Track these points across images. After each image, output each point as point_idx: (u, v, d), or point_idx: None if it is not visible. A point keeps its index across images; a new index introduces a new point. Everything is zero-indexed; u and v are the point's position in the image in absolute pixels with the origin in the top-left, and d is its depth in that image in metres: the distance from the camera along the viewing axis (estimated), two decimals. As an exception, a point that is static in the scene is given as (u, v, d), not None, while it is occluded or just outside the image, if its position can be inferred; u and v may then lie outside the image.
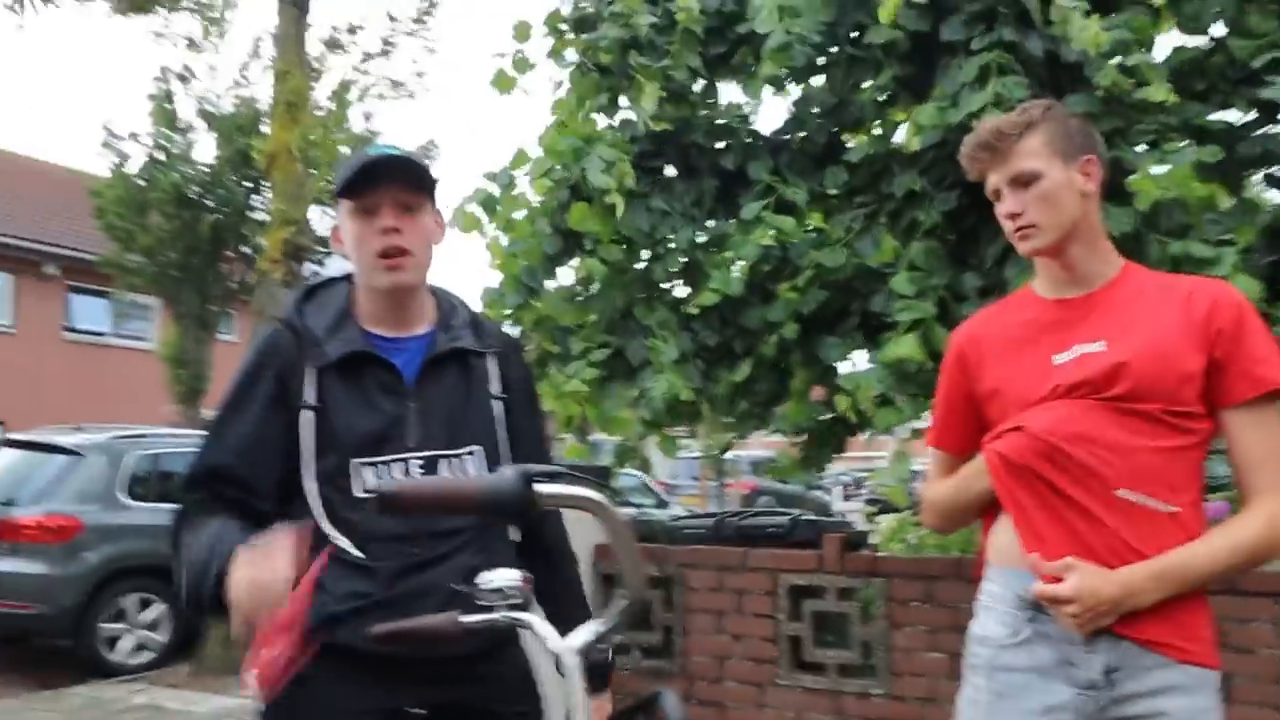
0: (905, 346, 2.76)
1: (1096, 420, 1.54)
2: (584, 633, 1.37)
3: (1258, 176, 3.33)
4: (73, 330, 17.49)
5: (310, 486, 1.56)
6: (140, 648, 7.04)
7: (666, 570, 3.57)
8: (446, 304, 1.73)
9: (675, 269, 3.73)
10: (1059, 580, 1.49)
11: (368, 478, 1.56)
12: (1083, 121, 1.71)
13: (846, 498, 17.44)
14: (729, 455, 13.06)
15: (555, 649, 1.36)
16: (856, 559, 3.42)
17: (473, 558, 1.55)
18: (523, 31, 3.97)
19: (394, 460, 1.57)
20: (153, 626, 7.13)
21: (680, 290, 3.88)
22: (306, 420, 1.56)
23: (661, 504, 12.50)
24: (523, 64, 3.99)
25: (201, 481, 1.58)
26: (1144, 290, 1.62)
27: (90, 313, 17.42)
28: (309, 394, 1.57)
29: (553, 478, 1.28)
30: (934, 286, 3.08)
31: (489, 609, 1.39)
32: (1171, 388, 1.53)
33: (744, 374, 3.38)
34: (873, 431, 3.19)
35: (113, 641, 6.90)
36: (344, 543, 1.53)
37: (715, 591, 3.50)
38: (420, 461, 1.58)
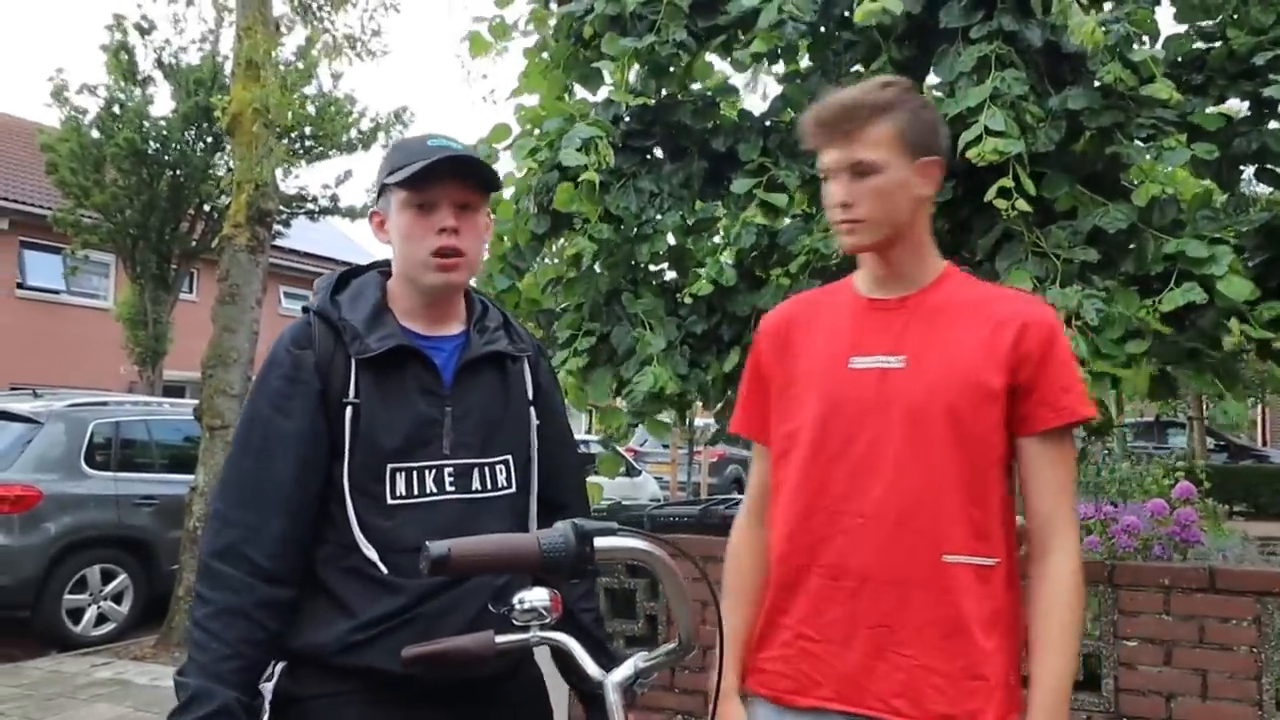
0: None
1: (912, 485, 1.46)
2: (627, 667, 1.36)
3: (1249, 171, 3.32)
4: (26, 287, 17.01)
5: (346, 490, 1.47)
6: (103, 619, 6.95)
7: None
8: (478, 304, 1.67)
9: (662, 252, 3.65)
10: None
11: (399, 485, 1.49)
12: (938, 117, 1.58)
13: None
14: (699, 423, 13.12)
15: (595, 675, 1.36)
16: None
17: (496, 577, 1.50)
18: None
19: (428, 466, 1.50)
20: (116, 598, 7.04)
21: (667, 275, 3.82)
22: (349, 417, 1.48)
23: (632, 471, 12.51)
24: (501, 29, 3.86)
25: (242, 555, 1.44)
26: (958, 301, 1.54)
27: (44, 269, 16.93)
28: (350, 388, 1.49)
29: (606, 531, 1.25)
30: (928, 280, 3.04)
31: (524, 629, 1.37)
32: (971, 409, 1.46)
33: (733, 363, 3.33)
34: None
35: (74, 613, 6.80)
36: (372, 554, 1.46)
37: (698, 581, 3.48)
38: (452, 470, 1.52)
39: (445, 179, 1.52)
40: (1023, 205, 2.76)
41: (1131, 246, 2.95)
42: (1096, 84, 2.97)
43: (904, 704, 1.45)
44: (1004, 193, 2.77)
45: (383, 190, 1.58)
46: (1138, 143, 2.98)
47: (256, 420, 1.50)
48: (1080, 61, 3.04)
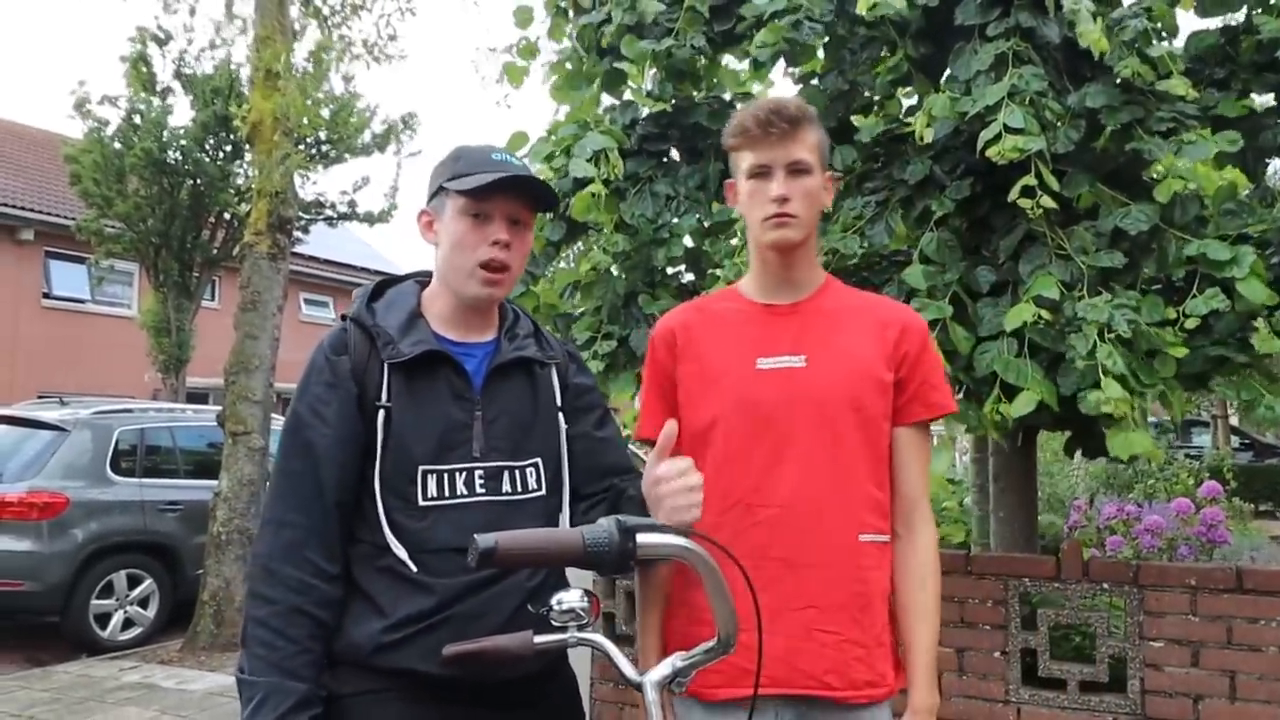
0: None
1: (823, 478, 1.58)
2: (665, 666, 1.38)
3: (1275, 165, 3.27)
4: (52, 297, 17.22)
5: (377, 490, 1.50)
6: (130, 624, 7.03)
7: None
8: (510, 313, 1.71)
9: (679, 255, 3.65)
10: None
11: (430, 486, 1.52)
12: None
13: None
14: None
15: (631, 676, 1.38)
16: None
17: (529, 579, 1.53)
18: (524, 17, 3.87)
19: (459, 469, 1.53)
20: (142, 603, 7.12)
21: (685, 277, 3.81)
22: (381, 420, 1.52)
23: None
24: (528, 50, 3.89)
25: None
26: (843, 307, 1.69)
27: (70, 279, 17.13)
28: (383, 392, 1.53)
29: (649, 528, 1.26)
30: (947, 281, 3.02)
31: (562, 630, 1.39)
32: (870, 400, 1.60)
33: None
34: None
35: (102, 618, 6.88)
36: (402, 553, 1.49)
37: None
38: (483, 472, 1.55)
39: (505, 194, 1.56)
40: (1047, 202, 2.74)
41: (1153, 247, 2.91)
42: (1116, 81, 2.94)
43: (834, 679, 1.55)
44: (1027, 191, 2.74)
45: (438, 192, 1.62)
46: (1158, 138, 2.94)
47: (300, 426, 1.53)
48: (1099, 58, 3.01)
